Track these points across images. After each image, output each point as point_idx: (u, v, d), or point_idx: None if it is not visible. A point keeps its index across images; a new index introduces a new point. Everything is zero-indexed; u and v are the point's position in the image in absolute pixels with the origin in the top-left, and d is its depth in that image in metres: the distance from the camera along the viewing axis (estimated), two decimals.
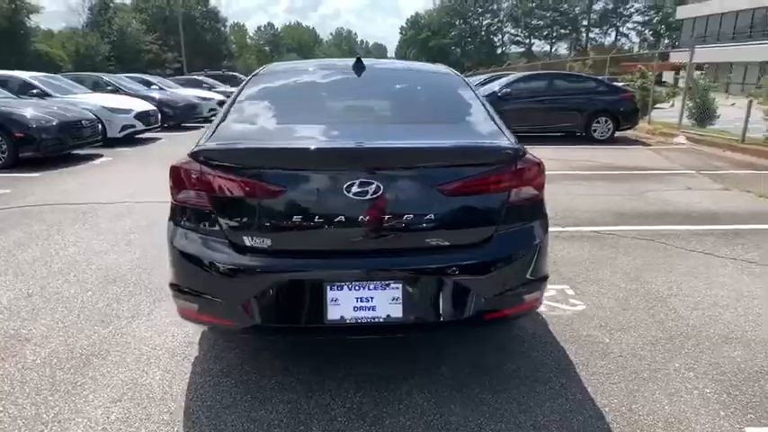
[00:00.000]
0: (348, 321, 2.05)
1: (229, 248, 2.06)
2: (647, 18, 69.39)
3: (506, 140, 2.29)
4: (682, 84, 16.73)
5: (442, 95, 2.86)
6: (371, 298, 2.05)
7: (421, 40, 77.88)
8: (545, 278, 2.32)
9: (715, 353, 2.70)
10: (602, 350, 2.72)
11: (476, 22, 78.26)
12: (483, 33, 78.57)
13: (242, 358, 2.60)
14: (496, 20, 78.19)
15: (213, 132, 2.30)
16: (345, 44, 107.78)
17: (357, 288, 2.05)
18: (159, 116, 11.53)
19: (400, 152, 2.16)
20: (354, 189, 1.99)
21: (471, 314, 2.11)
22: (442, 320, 2.10)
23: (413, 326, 2.10)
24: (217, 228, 2.08)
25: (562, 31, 74.97)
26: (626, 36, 72.36)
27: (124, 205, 5.61)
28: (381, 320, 2.06)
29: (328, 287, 2.04)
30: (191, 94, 14.97)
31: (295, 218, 2.03)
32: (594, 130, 11.12)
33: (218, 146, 2.16)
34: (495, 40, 79.71)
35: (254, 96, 2.73)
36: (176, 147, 10.23)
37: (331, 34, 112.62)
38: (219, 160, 2.08)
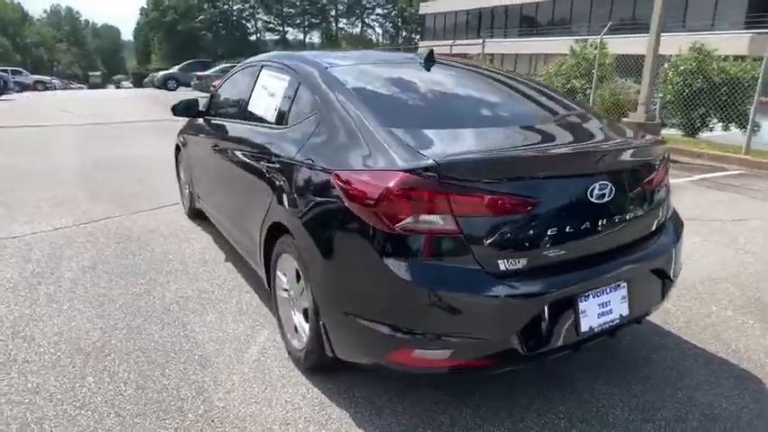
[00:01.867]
0: (596, 330, 1.98)
1: (489, 276, 1.77)
2: (386, 11, 76.93)
3: None
4: None
5: (529, 90, 2.86)
6: (609, 302, 2.03)
7: (167, 23, 71.16)
8: None
9: (721, 292, 3.41)
10: (663, 311, 3.14)
11: (225, 7, 75.14)
12: (234, 19, 76.01)
13: (396, 400, 2.22)
14: (248, 5, 76.49)
15: (409, 146, 1.86)
16: (66, 24, 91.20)
17: (598, 294, 2.00)
18: None
19: (626, 151, 2.15)
20: (596, 192, 1.93)
21: (663, 300, 2.27)
22: (651, 309, 2.20)
23: (633, 320, 2.15)
24: (467, 255, 1.75)
25: (313, 20, 77.72)
26: (371, 27, 79.15)
27: None
28: (617, 321, 2.05)
29: (578, 299, 1.94)
30: None
31: (548, 231, 1.85)
32: None
33: (462, 158, 1.78)
34: (249, 26, 78.07)
35: (375, 99, 2.31)
36: None
37: (45, 12, 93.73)
38: (465, 175, 1.74)
